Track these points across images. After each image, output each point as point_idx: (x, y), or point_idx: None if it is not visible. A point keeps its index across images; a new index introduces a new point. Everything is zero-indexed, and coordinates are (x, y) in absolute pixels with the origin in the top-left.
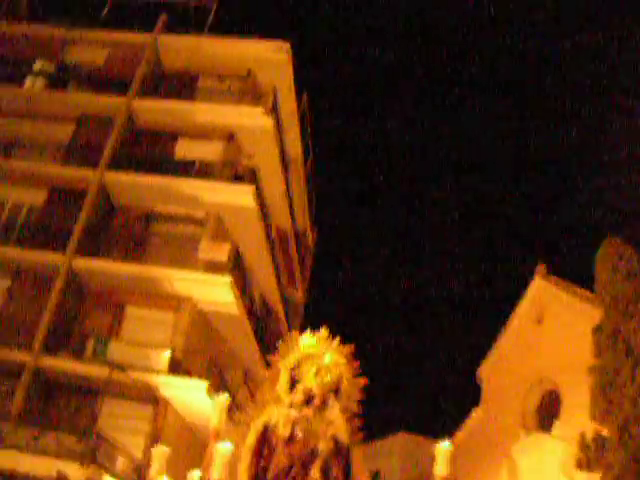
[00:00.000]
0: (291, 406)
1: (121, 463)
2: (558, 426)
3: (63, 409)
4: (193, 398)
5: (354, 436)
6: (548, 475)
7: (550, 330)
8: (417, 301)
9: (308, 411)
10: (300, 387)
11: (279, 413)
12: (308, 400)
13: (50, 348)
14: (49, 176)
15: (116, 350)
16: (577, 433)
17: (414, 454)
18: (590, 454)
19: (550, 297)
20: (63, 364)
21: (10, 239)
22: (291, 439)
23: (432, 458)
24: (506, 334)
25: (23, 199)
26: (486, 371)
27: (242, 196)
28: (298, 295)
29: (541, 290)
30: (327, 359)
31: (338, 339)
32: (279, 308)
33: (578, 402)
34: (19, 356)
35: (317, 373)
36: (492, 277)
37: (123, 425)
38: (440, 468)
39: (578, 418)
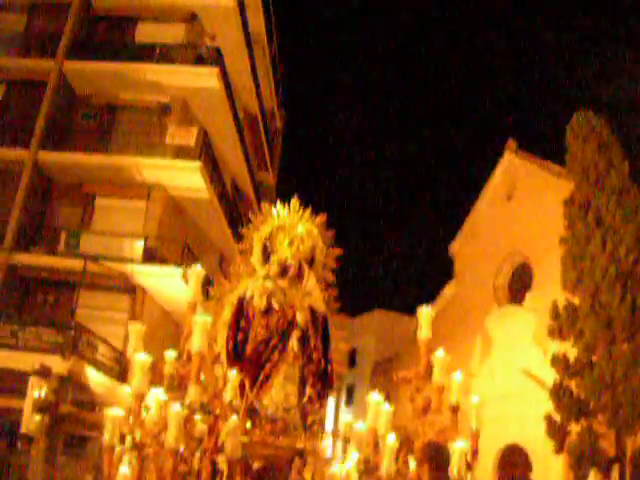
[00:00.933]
0: (266, 278)
1: (102, 353)
2: (530, 298)
3: (41, 304)
4: (169, 285)
5: (331, 305)
6: (521, 345)
7: (521, 205)
8: (389, 179)
9: (284, 282)
10: (274, 258)
11: (254, 285)
12: (283, 271)
13: (22, 245)
14: (6, 69)
15: (89, 242)
16: (549, 304)
17: (390, 330)
18: (562, 322)
19: (520, 172)
20: (37, 259)
21: None
22: (268, 311)
23: (407, 333)
24: (477, 210)
25: None
26: (458, 247)
27: (206, 78)
28: (269, 178)
29: (511, 165)
30: (300, 229)
31: (310, 209)
32: (250, 191)
33: (549, 274)
34: None
35: (291, 243)
36: (464, 154)
37: (102, 316)
38: (424, 332)
39: (549, 289)
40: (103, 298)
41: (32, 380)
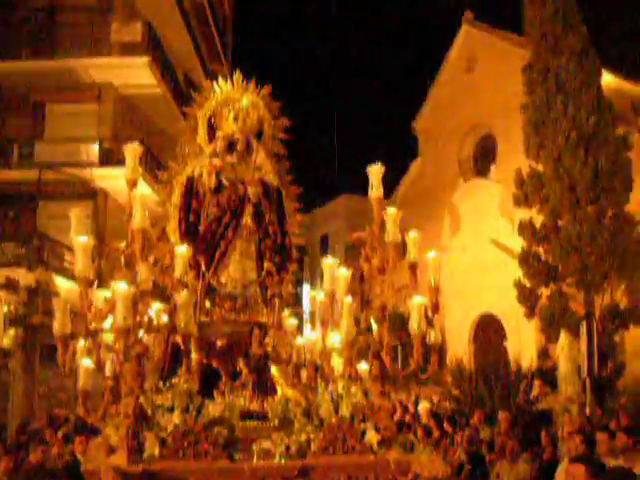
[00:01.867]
0: (213, 155)
1: (69, 261)
2: (495, 170)
3: (2, 220)
4: None
5: (284, 178)
6: (489, 217)
7: (481, 76)
8: (347, 59)
9: (232, 158)
10: (220, 134)
11: (202, 164)
12: (230, 147)
13: None
14: None
15: (43, 151)
16: (513, 174)
17: (358, 213)
18: (526, 190)
19: (479, 43)
20: None
21: None
22: (218, 188)
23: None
24: (438, 85)
25: None
26: (421, 124)
27: None
28: (223, 69)
29: (469, 37)
30: (245, 102)
31: (253, 81)
32: (205, 84)
33: (513, 144)
34: None
35: (236, 118)
36: (421, 27)
37: (65, 224)
38: (375, 190)
39: (513, 160)
40: (64, 206)
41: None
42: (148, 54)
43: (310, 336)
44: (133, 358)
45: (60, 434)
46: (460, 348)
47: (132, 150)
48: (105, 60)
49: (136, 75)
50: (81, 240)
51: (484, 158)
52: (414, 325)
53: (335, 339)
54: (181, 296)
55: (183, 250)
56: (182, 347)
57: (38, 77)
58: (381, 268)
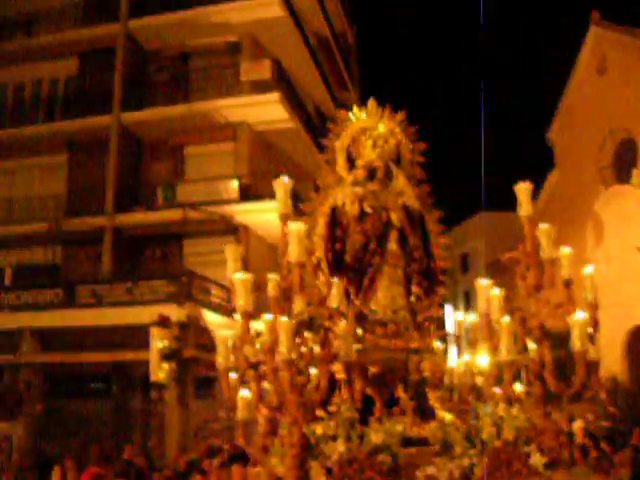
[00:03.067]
0: (355, 183)
1: (216, 294)
2: (637, 175)
3: (150, 260)
4: (270, 219)
5: (425, 201)
6: (633, 223)
7: (614, 78)
8: (474, 71)
9: (373, 185)
10: (360, 162)
11: (344, 193)
12: (371, 174)
13: (123, 206)
14: (74, 41)
15: (185, 192)
16: None
17: (497, 230)
18: None
19: (609, 43)
20: (138, 217)
21: (56, 113)
22: (361, 216)
23: (516, 230)
24: (570, 91)
25: (57, 73)
26: (556, 133)
27: (270, 8)
28: (351, 97)
29: (599, 38)
30: (381, 128)
31: (389, 107)
32: (339, 114)
33: None
34: (96, 221)
35: (374, 144)
36: (546, 35)
37: (209, 260)
38: (525, 208)
39: None
40: (208, 243)
41: (153, 331)
42: (278, 90)
43: (464, 359)
44: (296, 389)
45: (216, 464)
46: (613, 363)
47: (282, 184)
48: (237, 100)
49: (268, 111)
50: (239, 276)
51: (625, 163)
52: (576, 342)
53: (484, 361)
54: (340, 325)
55: (337, 280)
56: (337, 376)
57: (175, 122)
58: (537, 286)
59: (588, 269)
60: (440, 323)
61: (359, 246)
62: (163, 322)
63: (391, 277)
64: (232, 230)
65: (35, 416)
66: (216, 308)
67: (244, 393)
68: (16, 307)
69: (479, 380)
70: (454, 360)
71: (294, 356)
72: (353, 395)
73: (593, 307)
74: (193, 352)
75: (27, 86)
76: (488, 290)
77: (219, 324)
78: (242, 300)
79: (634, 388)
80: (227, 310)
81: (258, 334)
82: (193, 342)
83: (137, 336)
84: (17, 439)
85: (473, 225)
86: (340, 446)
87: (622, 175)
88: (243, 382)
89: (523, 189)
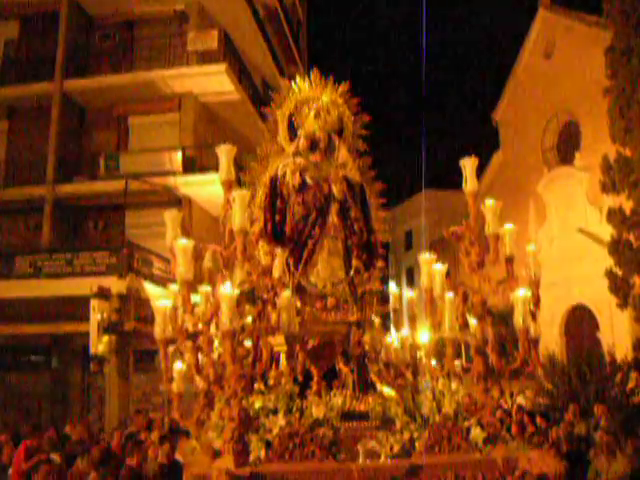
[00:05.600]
0: (296, 154)
1: (158, 267)
2: (579, 157)
3: (91, 230)
4: (214, 191)
5: (366, 174)
6: (575, 206)
7: (561, 62)
8: (421, 52)
9: (315, 156)
10: (302, 133)
11: (285, 163)
12: (312, 145)
13: (64, 176)
14: (15, 3)
15: (128, 162)
16: (599, 160)
17: (441, 208)
18: (614, 176)
19: (557, 28)
20: (80, 188)
21: None
22: (302, 187)
23: (460, 208)
24: (516, 73)
25: None
26: (501, 114)
27: None
28: (300, 71)
29: (547, 22)
30: (324, 99)
31: (332, 78)
32: (282, 84)
33: (598, 129)
34: (36, 191)
35: (316, 115)
36: (494, 16)
37: (152, 232)
38: (470, 184)
39: (599, 145)
40: (151, 215)
41: (93, 302)
42: (225, 61)
43: (402, 334)
44: (238, 360)
45: (155, 437)
46: (551, 341)
47: (225, 151)
48: (183, 70)
49: (214, 82)
50: (180, 243)
51: (568, 146)
52: (519, 319)
53: (424, 337)
54: (282, 296)
55: (281, 251)
56: (275, 349)
57: (120, 91)
58: (480, 262)
59: (531, 247)
60: (384, 299)
61: (299, 217)
62: (103, 294)
63: (331, 249)
64: (175, 202)
65: None
66: (157, 280)
67: (179, 365)
68: None
69: (419, 355)
70: (393, 335)
71: (236, 327)
72: (294, 368)
73: (536, 284)
74: (134, 324)
75: None
76: (430, 265)
77: (159, 296)
78: (182, 267)
79: (570, 366)
80: (169, 283)
81: (194, 306)
82: (134, 314)
83: (77, 308)
84: None
85: (417, 203)
86: (281, 420)
87: (565, 157)
88: (181, 354)
89: (468, 164)
